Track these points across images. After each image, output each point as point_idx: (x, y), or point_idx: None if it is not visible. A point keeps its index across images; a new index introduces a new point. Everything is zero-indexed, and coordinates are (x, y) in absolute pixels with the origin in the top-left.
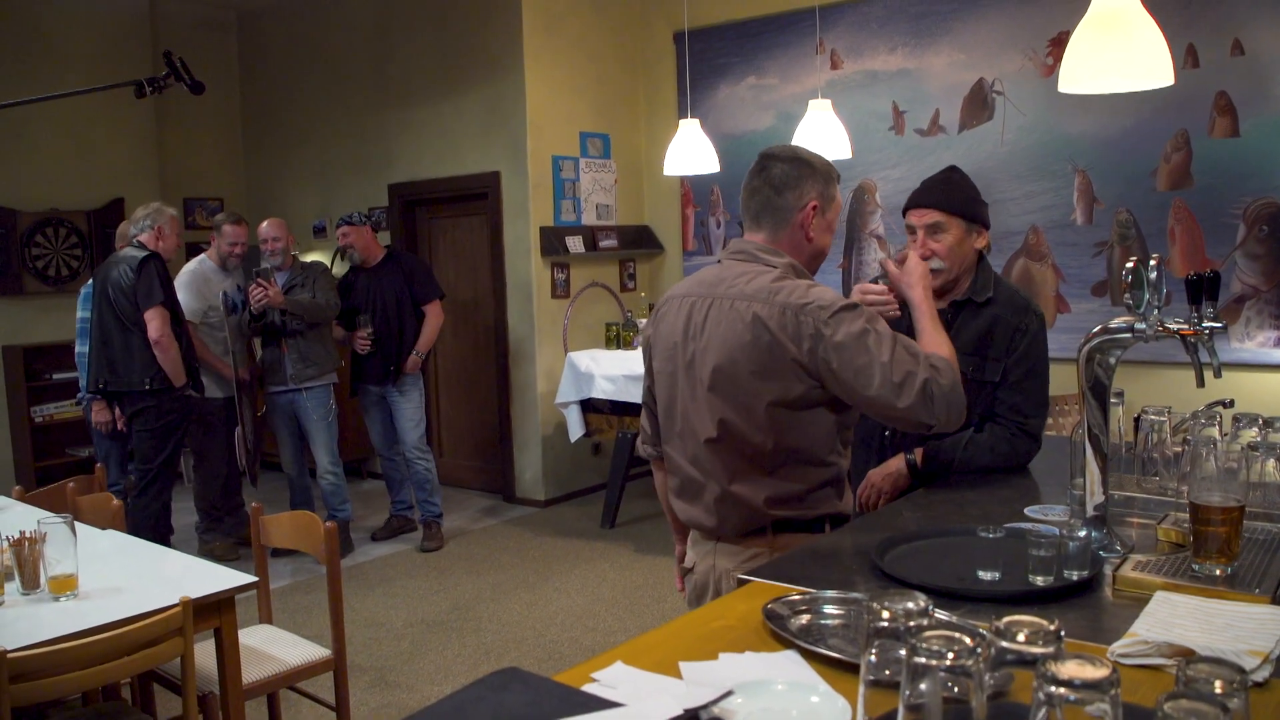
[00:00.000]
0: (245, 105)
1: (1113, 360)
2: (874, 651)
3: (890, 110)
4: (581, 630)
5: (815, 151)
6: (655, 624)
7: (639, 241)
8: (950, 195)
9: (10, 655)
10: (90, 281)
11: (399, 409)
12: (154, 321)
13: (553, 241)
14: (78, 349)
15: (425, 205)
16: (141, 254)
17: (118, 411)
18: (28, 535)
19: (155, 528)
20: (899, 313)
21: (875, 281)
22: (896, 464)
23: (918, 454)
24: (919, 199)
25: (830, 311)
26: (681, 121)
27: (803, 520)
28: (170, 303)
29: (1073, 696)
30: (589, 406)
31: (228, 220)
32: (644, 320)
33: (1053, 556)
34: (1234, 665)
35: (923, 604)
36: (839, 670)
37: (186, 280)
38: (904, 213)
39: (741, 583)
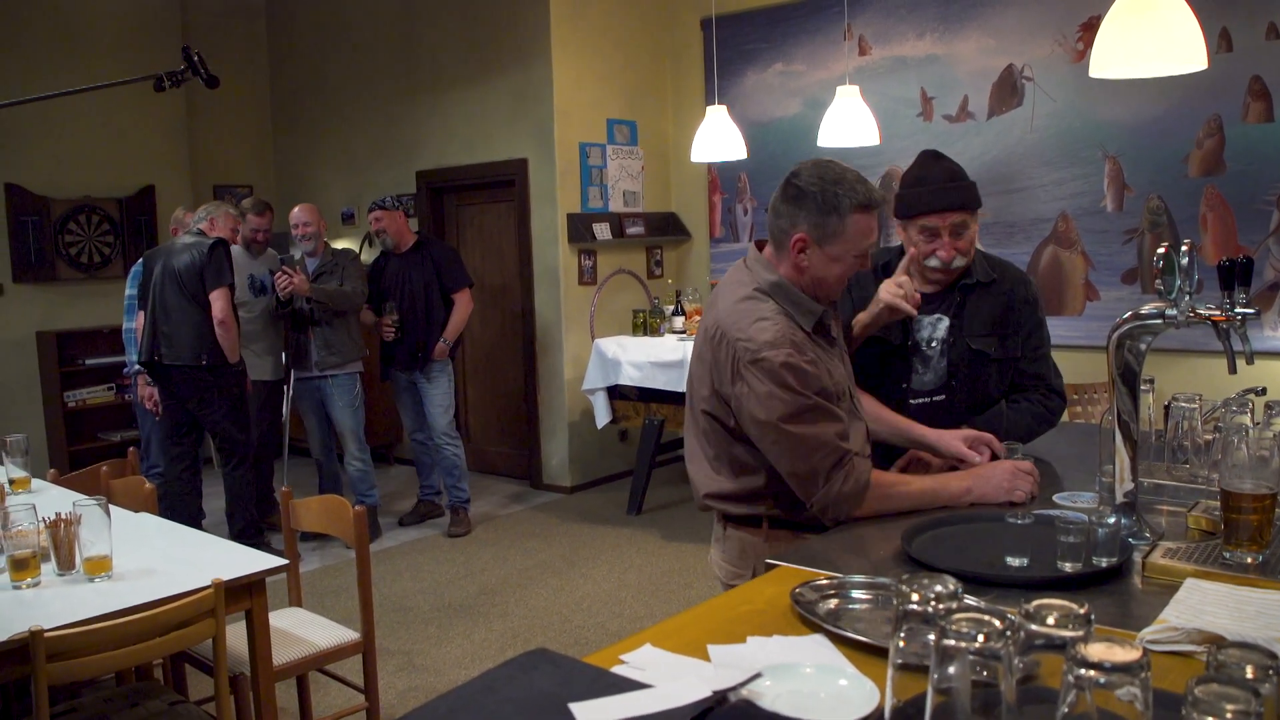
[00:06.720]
0: (274, 92)
1: (1143, 346)
2: (903, 635)
3: (919, 96)
4: (608, 616)
5: (844, 168)
6: (681, 610)
7: (666, 228)
8: (964, 193)
9: (46, 634)
10: (140, 260)
11: (427, 395)
12: (219, 301)
13: (580, 228)
14: (125, 325)
15: (453, 192)
16: (210, 239)
17: (158, 393)
18: (63, 517)
19: (254, 500)
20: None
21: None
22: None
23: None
24: (939, 202)
25: (753, 356)
26: (709, 108)
27: (737, 516)
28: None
29: (1103, 679)
30: (616, 393)
31: (252, 209)
32: (670, 307)
33: (1082, 543)
34: (1265, 650)
35: (952, 587)
36: (867, 654)
37: None
38: (911, 215)
39: (769, 567)
